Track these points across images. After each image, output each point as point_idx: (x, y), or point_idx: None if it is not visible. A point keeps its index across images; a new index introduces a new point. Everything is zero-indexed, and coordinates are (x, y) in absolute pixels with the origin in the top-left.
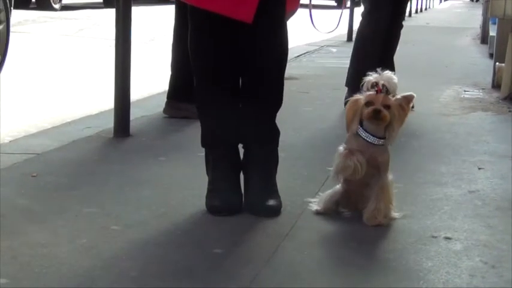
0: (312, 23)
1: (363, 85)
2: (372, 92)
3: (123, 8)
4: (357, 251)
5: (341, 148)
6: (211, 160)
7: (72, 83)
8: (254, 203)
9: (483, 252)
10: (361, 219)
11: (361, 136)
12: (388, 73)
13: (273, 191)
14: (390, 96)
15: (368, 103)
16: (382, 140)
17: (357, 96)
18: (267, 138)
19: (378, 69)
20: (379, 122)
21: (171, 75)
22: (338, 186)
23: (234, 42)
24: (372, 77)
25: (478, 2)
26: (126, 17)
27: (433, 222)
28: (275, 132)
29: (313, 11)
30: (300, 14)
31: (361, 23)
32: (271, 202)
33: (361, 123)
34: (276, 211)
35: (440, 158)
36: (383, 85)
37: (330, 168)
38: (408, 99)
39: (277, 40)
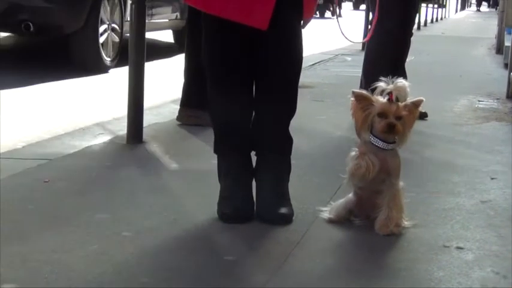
0: (342, 32)
1: (374, 89)
2: (384, 101)
3: (137, 15)
4: (368, 259)
5: (353, 153)
6: (224, 167)
7: (85, 89)
8: (266, 211)
9: (495, 262)
10: (373, 228)
11: (371, 141)
12: (401, 82)
13: (285, 199)
14: (400, 104)
15: (381, 114)
16: (392, 145)
17: (364, 94)
18: (280, 146)
19: (391, 77)
20: (392, 136)
21: (184, 83)
22: (351, 195)
23: (248, 49)
24: (384, 85)
25: (494, 12)
26: (140, 22)
27: (445, 232)
28: (288, 140)
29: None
30: (319, 23)
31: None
32: (283, 210)
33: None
34: (287, 219)
35: (453, 168)
36: (396, 95)
37: (343, 176)
38: (416, 104)
39: (292, 47)
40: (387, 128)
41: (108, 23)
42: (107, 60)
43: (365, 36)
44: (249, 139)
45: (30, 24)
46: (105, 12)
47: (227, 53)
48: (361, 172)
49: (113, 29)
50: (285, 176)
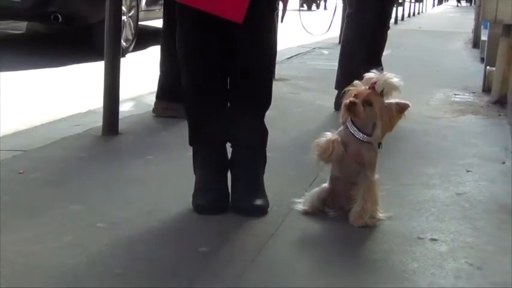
0: (303, 26)
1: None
2: (362, 87)
3: (112, 6)
4: (342, 251)
5: (328, 133)
6: (199, 159)
7: (62, 80)
8: (241, 203)
9: (469, 254)
10: (347, 220)
11: (348, 128)
12: (388, 75)
13: (260, 191)
14: (383, 98)
15: (354, 95)
16: (368, 138)
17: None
18: (256, 138)
19: (380, 69)
20: (352, 115)
21: (160, 75)
22: (325, 184)
23: (223, 43)
24: (372, 74)
25: (471, 7)
26: (116, 15)
27: (419, 224)
28: (263, 132)
29: (306, 13)
30: (294, 16)
31: (347, 25)
32: (259, 202)
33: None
34: (263, 211)
35: (428, 160)
36: (376, 84)
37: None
38: (401, 107)
39: (266, 40)
40: (348, 105)
41: (125, 12)
42: (125, 45)
43: (341, 28)
44: (224, 131)
45: (59, 16)
46: (124, 4)
47: (202, 48)
48: (317, 150)
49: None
50: (261, 168)
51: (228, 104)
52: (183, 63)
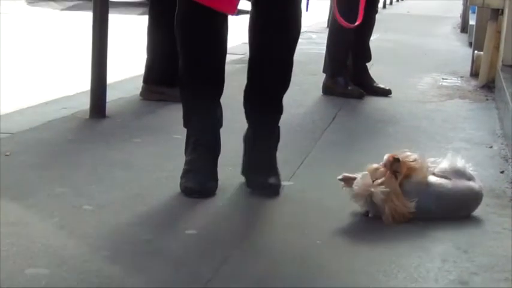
0: (339, 16)
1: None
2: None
3: None
4: (330, 235)
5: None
6: (192, 142)
7: (49, 63)
8: (257, 180)
9: (456, 237)
10: (336, 206)
11: None
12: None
13: (275, 169)
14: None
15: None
16: None
17: None
18: (273, 117)
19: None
20: None
21: (147, 59)
22: None
23: (221, 25)
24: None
25: None
26: None
27: None
28: (280, 112)
29: None
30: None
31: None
32: (272, 180)
33: None
34: (275, 189)
35: (416, 144)
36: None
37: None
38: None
39: (289, 17)
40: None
41: None
42: None
43: (329, 12)
44: (219, 115)
45: None
46: None
47: (202, 26)
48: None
49: None
50: (274, 146)
51: (248, 82)
52: (181, 44)
